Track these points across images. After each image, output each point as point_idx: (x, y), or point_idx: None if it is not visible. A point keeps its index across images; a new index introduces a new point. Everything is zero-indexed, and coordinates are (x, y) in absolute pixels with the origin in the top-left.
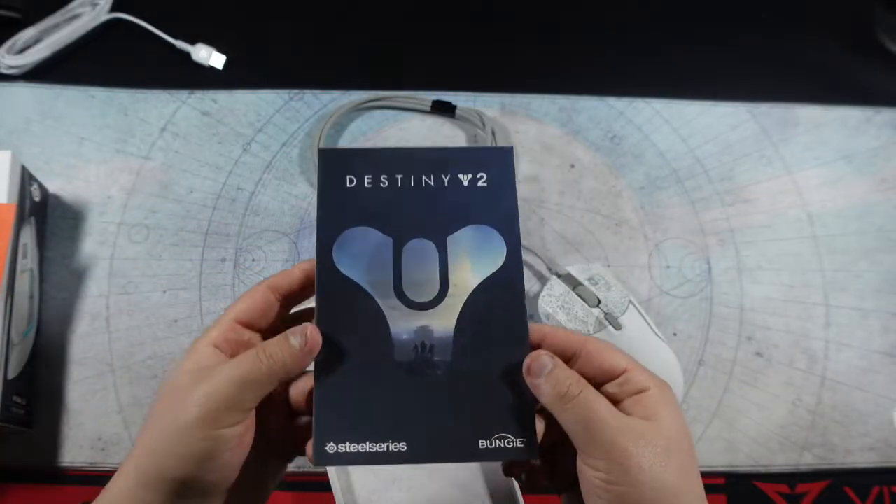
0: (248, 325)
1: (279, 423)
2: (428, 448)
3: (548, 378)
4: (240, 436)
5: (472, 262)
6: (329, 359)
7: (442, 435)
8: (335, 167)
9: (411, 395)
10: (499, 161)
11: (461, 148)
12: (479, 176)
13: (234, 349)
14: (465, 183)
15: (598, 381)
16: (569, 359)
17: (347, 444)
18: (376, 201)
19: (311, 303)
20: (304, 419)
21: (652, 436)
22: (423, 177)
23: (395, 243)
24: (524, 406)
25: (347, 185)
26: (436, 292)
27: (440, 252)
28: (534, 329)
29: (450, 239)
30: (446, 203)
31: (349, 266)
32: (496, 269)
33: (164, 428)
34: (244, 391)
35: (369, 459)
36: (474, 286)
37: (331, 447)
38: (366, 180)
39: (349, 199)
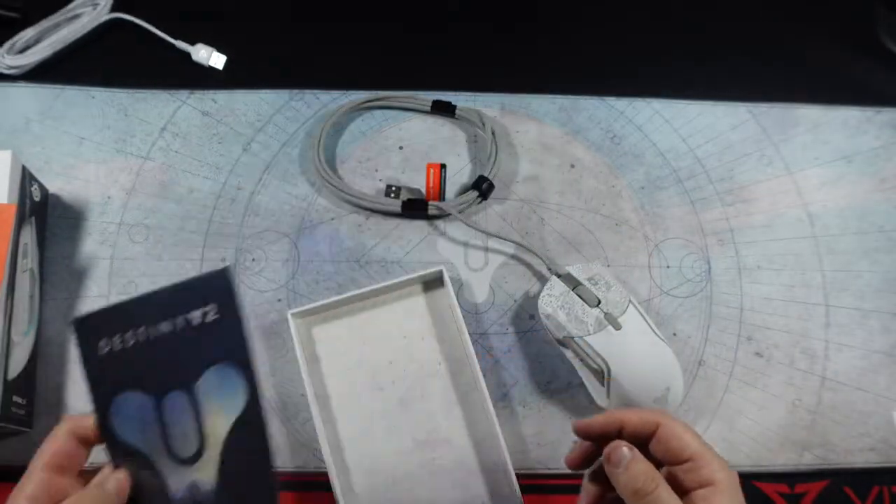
0: (61, 471)
1: None
2: None
3: (625, 470)
4: None
5: (221, 406)
6: None
7: None
8: (87, 336)
9: None
10: (218, 286)
11: (179, 284)
12: (207, 309)
13: (52, 498)
14: (196, 322)
15: (667, 462)
16: (648, 437)
17: None
18: (131, 362)
19: None
20: None
21: None
22: (162, 324)
23: (155, 402)
24: None
25: (102, 351)
26: (196, 445)
27: (192, 402)
28: (611, 415)
29: (197, 387)
30: (187, 348)
31: (126, 431)
32: (241, 408)
33: None
34: None
35: None
36: (226, 432)
37: None
38: (116, 342)
39: (108, 365)
